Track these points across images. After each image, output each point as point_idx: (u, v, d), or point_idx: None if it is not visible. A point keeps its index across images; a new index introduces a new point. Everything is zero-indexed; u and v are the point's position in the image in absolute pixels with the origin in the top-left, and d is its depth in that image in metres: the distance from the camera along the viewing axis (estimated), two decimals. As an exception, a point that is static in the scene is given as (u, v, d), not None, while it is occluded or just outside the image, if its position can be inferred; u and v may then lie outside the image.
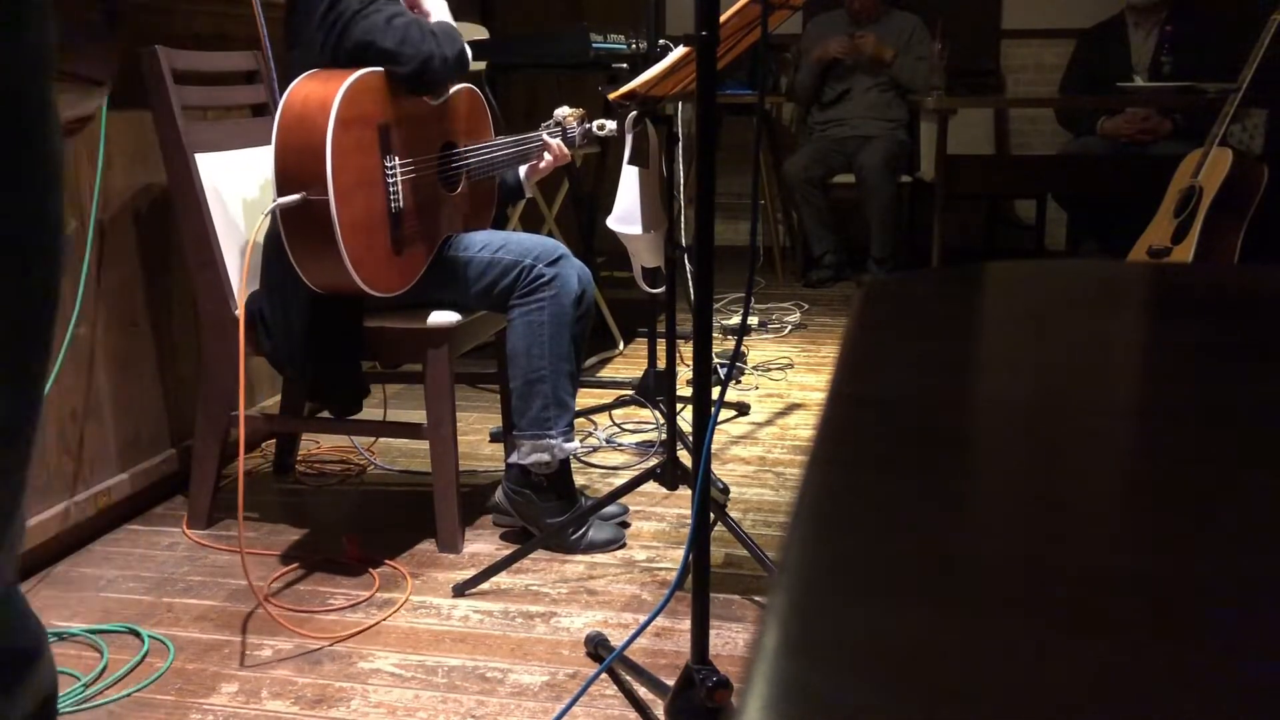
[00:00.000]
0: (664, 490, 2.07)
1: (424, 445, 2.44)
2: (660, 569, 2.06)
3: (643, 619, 1.85)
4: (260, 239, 2.08)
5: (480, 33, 3.60)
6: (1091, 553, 0.30)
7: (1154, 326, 0.58)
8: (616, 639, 1.76)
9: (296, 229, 1.93)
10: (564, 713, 1.57)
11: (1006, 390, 0.47)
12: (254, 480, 2.58)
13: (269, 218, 2.00)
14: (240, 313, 2.03)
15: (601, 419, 2.95)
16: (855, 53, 4.54)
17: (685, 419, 2.59)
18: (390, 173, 1.98)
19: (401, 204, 2.00)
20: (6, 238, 0.77)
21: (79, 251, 2.10)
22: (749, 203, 5.35)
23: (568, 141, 2.35)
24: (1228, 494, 0.34)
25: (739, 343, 2.04)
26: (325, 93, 1.88)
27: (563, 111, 2.38)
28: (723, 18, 1.59)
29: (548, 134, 2.32)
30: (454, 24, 2.13)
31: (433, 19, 2.13)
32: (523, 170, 2.37)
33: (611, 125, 2.37)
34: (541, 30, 3.70)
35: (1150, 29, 4.37)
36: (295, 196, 1.88)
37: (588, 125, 2.41)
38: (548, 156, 2.32)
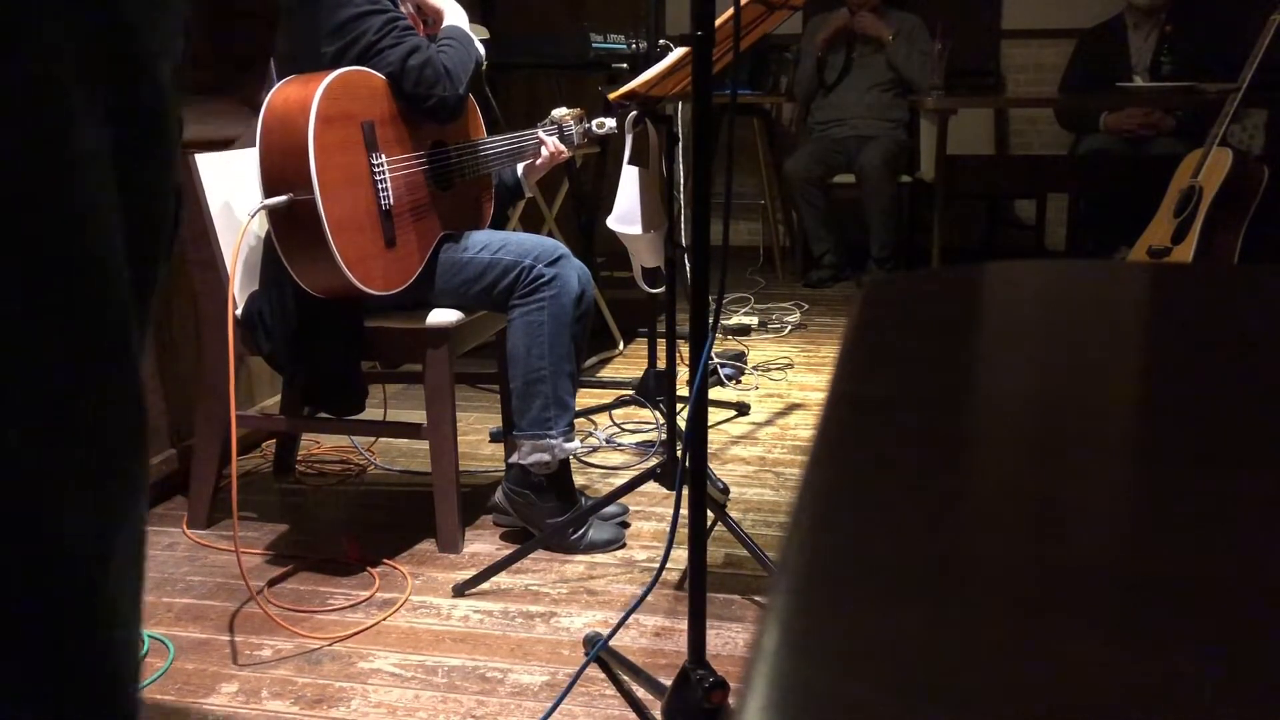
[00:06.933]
0: (664, 490, 2.07)
1: (424, 445, 2.45)
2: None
3: (643, 619, 1.85)
4: (247, 243, 2.08)
5: (480, 32, 3.60)
6: (1092, 553, 0.30)
7: (1154, 326, 0.58)
8: (617, 639, 1.76)
9: (288, 234, 1.92)
10: (558, 704, 1.57)
11: (1006, 390, 0.47)
12: (254, 480, 2.58)
13: (255, 220, 2.00)
14: (230, 313, 2.03)
15: (601, 419, 2.95)
16: (858, 28, 4.58)
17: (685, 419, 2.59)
18: (378, 170, 1.98)
19: (392, 201, 2.00)
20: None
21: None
22: (747, 202, 5.36)
23: (565, 140, 2.35)
24: (1228, 495, 0.34)
25: (706, 349, 2.03)
26: (305, 92, 1.88)
27: (560, 113, 2.38)
28: (719, 20, 1.59)
29: (544, 131, 2.32)
30: (467, 27, 2.13)
31: (447, 20, 2.13)
32: (520, 168, 2.37)
33: (611, 123, 2.36)
34: (541, 30, 3.70)
35: (1149, 30, 4.37)
36: (282, 198, 1.88)
37: (587, 124, 2.41)
38: (544, 153, 2.31)
